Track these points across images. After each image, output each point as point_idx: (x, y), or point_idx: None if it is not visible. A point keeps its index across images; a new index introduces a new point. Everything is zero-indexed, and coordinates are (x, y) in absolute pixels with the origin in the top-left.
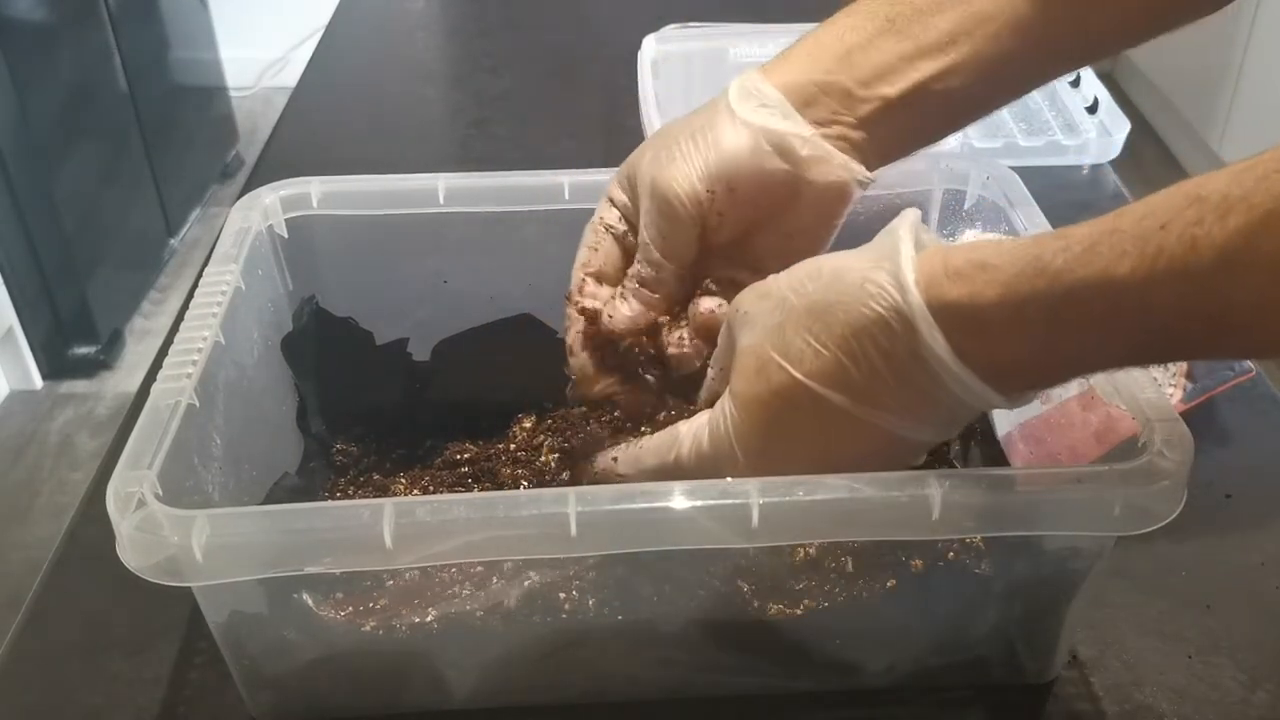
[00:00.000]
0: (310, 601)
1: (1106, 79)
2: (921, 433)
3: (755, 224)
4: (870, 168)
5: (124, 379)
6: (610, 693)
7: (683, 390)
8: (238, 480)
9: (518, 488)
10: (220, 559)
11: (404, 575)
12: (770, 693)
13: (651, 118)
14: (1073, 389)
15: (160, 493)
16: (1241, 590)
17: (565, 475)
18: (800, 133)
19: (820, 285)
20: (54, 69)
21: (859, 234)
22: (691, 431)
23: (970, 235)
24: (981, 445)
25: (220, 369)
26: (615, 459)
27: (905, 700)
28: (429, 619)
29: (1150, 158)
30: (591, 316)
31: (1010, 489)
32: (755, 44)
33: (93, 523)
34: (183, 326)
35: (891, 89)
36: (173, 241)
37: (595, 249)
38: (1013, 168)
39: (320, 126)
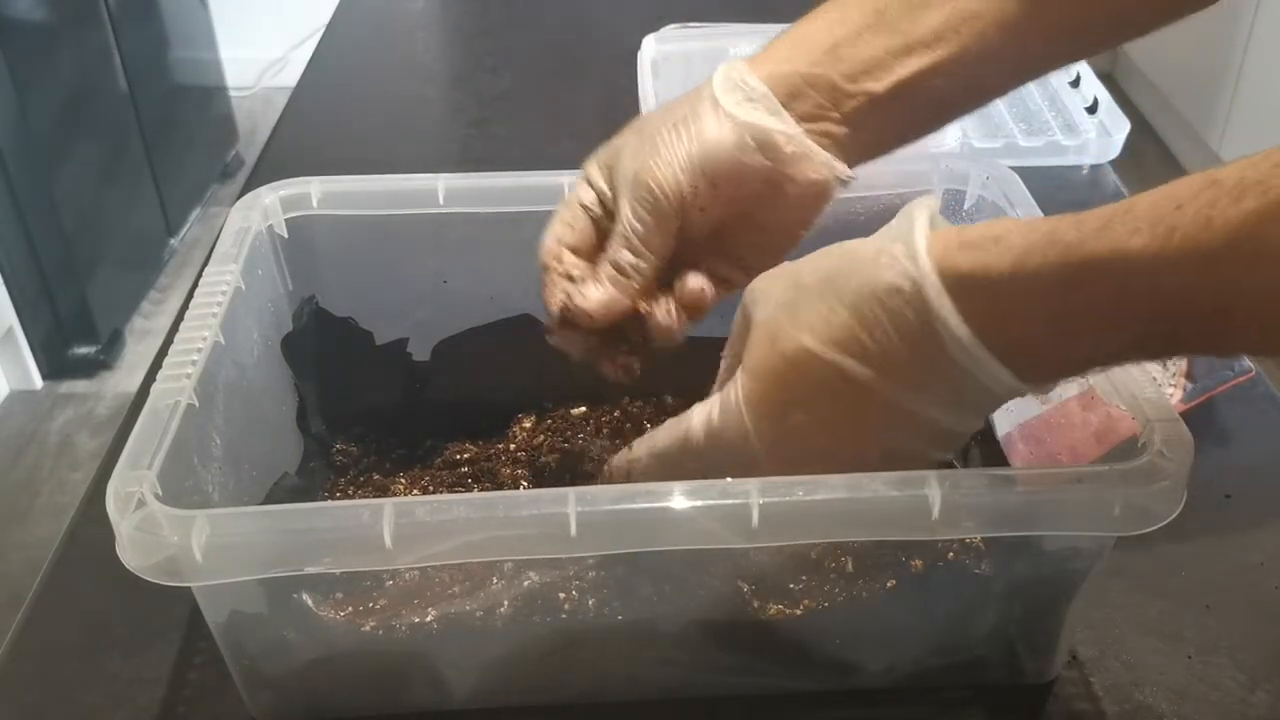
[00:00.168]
0: (310, 601)
1: (1106, 79)
2: (934, 411)
3: (733, 217)
4: (851, 164)
5: (124, 379)
6: (610, 693)
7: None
8: (237, 480)
9: (518, 488)
10: (220, 559)
11: (404, 575)
12: (770, 693)
13: None
14: (1073, 389)
15: (160, 493)
16: (1241, 590)
17: (566, 476)
18: (786, 130)
19: (834, 260)
20: (54, 69)
21: (859, 234)
22: (705, 408)
23: None
24: (981, 445)
25: (220, 369)
26: (630, 447)
27: (905, 700)
28: (429, 619)
29: (1150, 158)
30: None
31: (1010, 489)
32: (755, 44)
33: (93, 523)
34: (182, 326)
35: (878, 85)
36: (173, 241)
37: (571, 226)
38: (1013, 168)
39: (320, 126)
